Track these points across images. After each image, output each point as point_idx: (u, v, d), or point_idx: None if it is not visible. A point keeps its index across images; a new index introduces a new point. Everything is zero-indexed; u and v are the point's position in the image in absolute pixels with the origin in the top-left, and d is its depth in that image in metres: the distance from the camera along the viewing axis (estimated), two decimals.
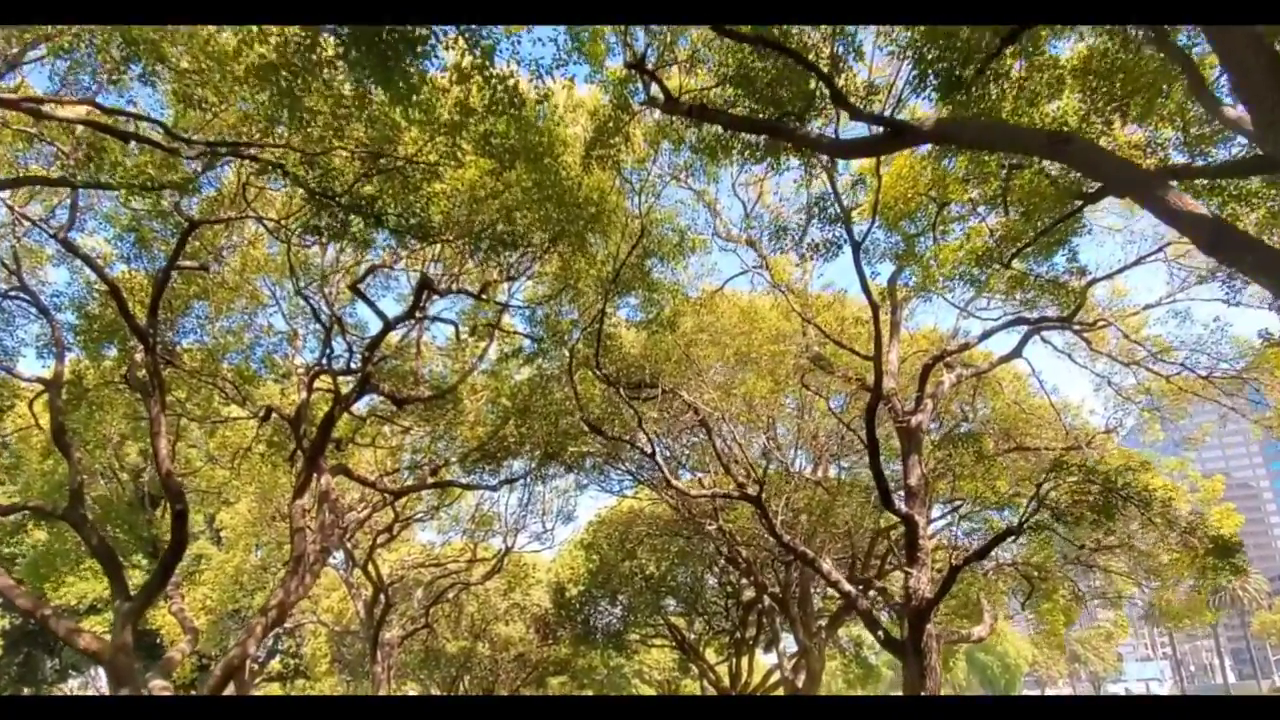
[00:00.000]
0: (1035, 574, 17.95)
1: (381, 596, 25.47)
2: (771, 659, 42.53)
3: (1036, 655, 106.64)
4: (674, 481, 16.00)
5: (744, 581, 35.21)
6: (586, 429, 17.38)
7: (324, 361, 17.35)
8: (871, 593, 18.21)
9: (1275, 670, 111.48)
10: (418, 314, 15.21)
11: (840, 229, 12.44)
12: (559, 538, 66.58)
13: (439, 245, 14.75)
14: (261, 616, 14.03)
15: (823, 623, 26.74)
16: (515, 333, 16.89)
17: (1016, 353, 16.87)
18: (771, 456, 18.99)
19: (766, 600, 27.28)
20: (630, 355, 16.88)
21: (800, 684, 24.75)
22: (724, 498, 16.68)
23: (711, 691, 46.99)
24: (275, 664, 51.70)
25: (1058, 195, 11.33)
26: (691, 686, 54.59)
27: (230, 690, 14.52)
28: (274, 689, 53.67)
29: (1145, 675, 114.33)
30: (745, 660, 36.11)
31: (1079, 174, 10.89)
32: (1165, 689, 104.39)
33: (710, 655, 39.89)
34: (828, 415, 18.53)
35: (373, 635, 25.16)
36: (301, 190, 12.36)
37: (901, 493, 15.63)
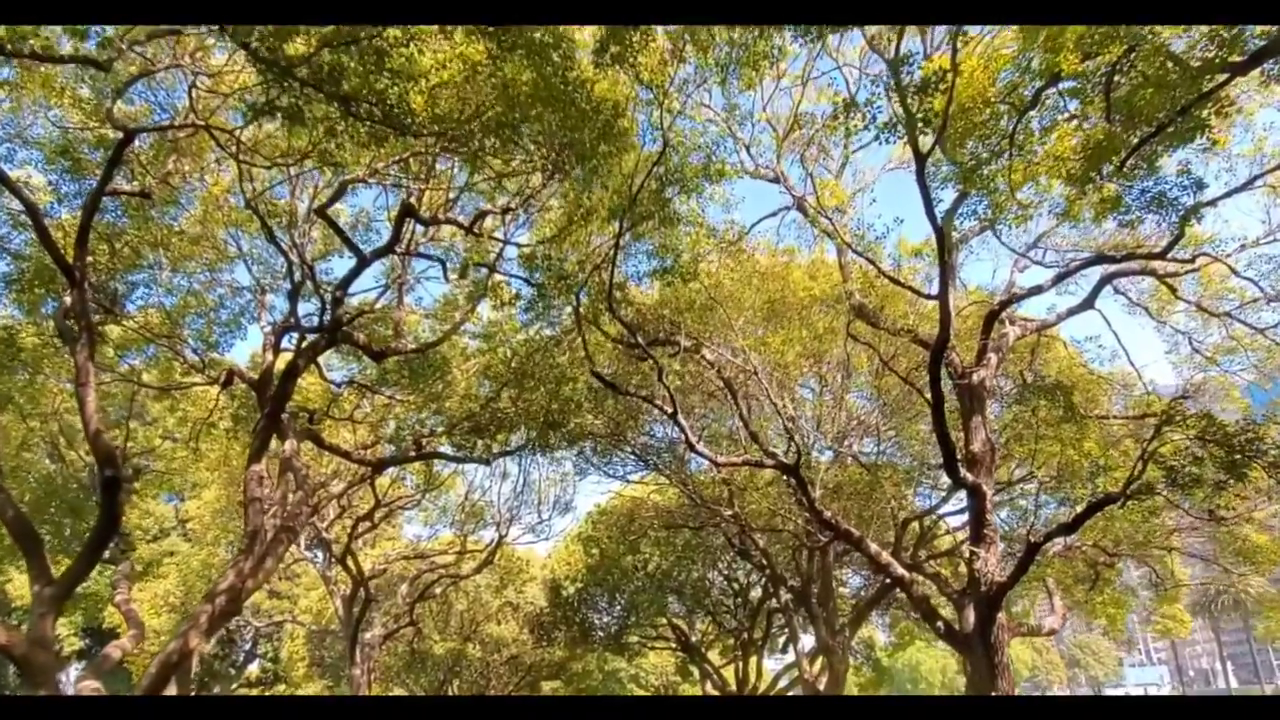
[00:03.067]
0: (1104, 558, 15.78)
1: (361, 592, 23.08)
2: (775, 663, 40.29)
3: (1036, 660, 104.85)
4: (698, 446, 13.74)
5: (753, 578, 33.05)
6: (596, 383, 15.12)
7: (292, 317, 15.06)
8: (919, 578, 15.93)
9: (1279, 675, 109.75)
10: (398, 249, 12.93)
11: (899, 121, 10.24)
12: (556, 529, 64.06)
13: (424, 165, 12.51)
14: (207, 604, 11.69)
15: (843, 620, 24.46)
16: (514, 277, 14.60)
17: (1088, 303, 14.73)
18: (798, 427, 16.74)
19: (783, 596, 25.02)
20: (645, 306, 14.66)
21: (822, 687, 22.49)
22: (756, 466, 14.48)
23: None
24: (254, 669, 49.17)
25: (1184, 80, 9.17)
26: (691, 692, 52.19)
27: (171, 692, 12.18)
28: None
29: (1144, 680, 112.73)
30: (753, 663, 33.86)
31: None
32: (1165, 694, 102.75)
33: (713, 658, 37.59)
34: (862, 382, 16.30)
35: (351, 634, 22.77)
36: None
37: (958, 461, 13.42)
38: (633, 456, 23.16)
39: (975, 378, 13.42)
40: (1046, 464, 13.04)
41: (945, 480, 22.21)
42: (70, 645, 35.03)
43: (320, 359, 20.24)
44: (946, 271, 11.66)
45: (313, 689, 40.39)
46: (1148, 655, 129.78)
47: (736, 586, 33.23)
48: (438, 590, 28.10)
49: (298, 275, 16.63)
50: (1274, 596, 19.67)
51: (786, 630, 35.81)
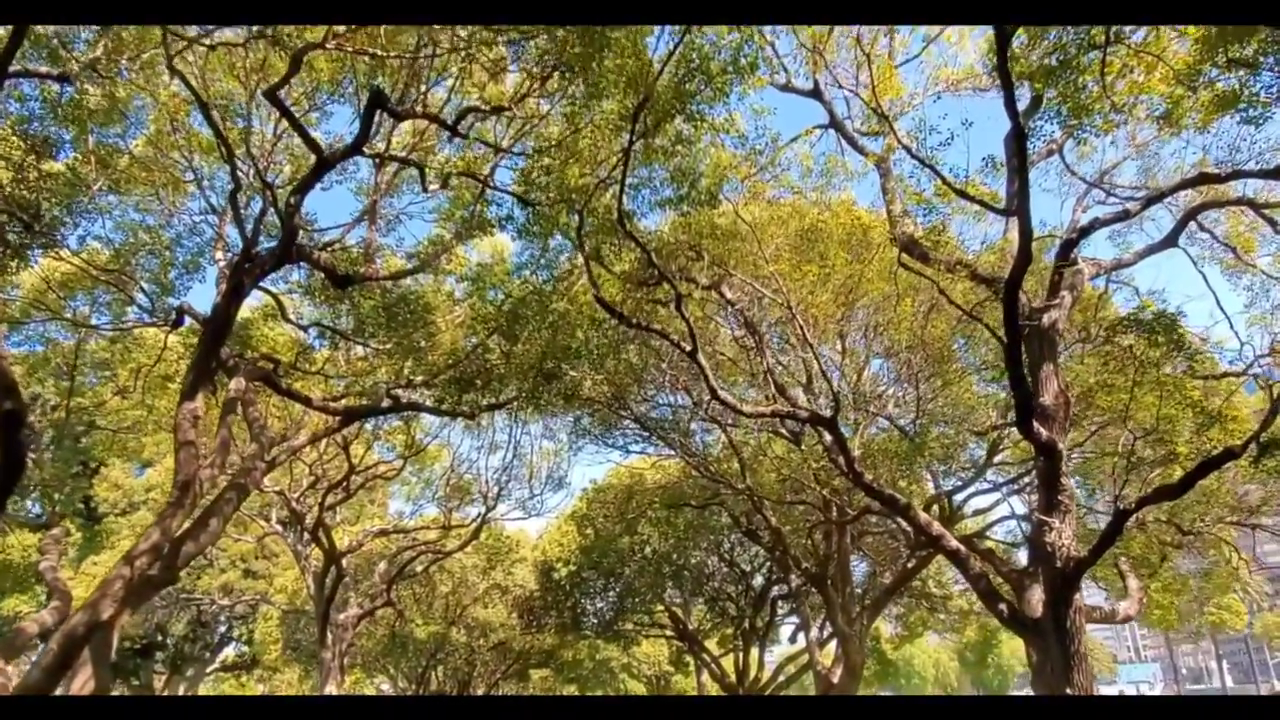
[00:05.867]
0: (1175, 535, 13.81)
1: (334, 568, 21.01)
2: (768, 655, 38.31)
3: (1031, 656, 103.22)
4: (721, 394, 11.70)
5: (757, 562, 31.14)
6: (596, 336, 13.13)
7: (249, 240, 12.87)
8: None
9: (1274, 674, 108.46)
10: (366, 150, 10.82)
11: None
12: (548, 505, 62.22)
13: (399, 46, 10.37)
14: (124, 567, 9.61)
15: (858, 607, 22.45)
16: (505, 192, 12.47)
17: (1170, 240, 12.73)
18: (823, 378, 14.67)
19: (793, 581, 23.08)
20: (658, 235, 12.61)
21: (837, 679, 20.52)
22: (787, 417, 12.48)
23: (712, 688, 42.81)
24: (230, 653, 47.09)
25: None
26: (684, 684, 50.30)
27: (87, 674, 10.12)
28: (229, 685, 48.92)
29: (1136, 678, 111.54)
30: (755, 654, 31.98)
31: None
32: (1158, 692, 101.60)
33: (710, 648, 35.68)
34: (903, 331, 14.24)
35: (322, 613, 20.71)
36: None
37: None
38: (634, 425, 21.14)
39: (1046, 319, 11.41)
40: (1131, 420, 10.99)
41: (969, 457, 20.27)
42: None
43: (291, 310, 18.24)
44: (1026, 179, 9.61)
45: (289, 674, 38.39)
46: (1137, 653, 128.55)
47: (739, 572, 31.32)
48: (419, 569, 26.07)
49: (249, 197, 14.62)
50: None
51: (792, 619, 34.06)
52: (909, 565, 20.62)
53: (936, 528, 11.47)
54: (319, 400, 13.92)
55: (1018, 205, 9.66)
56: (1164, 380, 10.13)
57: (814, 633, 23.92)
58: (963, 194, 10.16)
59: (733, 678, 31.72)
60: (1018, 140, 9.52)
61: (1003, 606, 11.00)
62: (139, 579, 9.81)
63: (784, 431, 20.48)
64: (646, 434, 21.59)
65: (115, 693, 43.42)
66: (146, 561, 9.70)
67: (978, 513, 22.16)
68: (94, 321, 18.75)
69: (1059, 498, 10.69)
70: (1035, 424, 10.55)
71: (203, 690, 51.73)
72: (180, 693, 43.44)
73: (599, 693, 50.45)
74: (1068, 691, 10.22)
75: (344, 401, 15.19)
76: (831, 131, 13.78)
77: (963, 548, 11.36)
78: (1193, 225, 13.91)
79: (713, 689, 43.64)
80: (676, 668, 47.76)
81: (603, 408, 20.19)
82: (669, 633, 34.78)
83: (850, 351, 15.44)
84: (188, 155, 16.34)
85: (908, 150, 10.30)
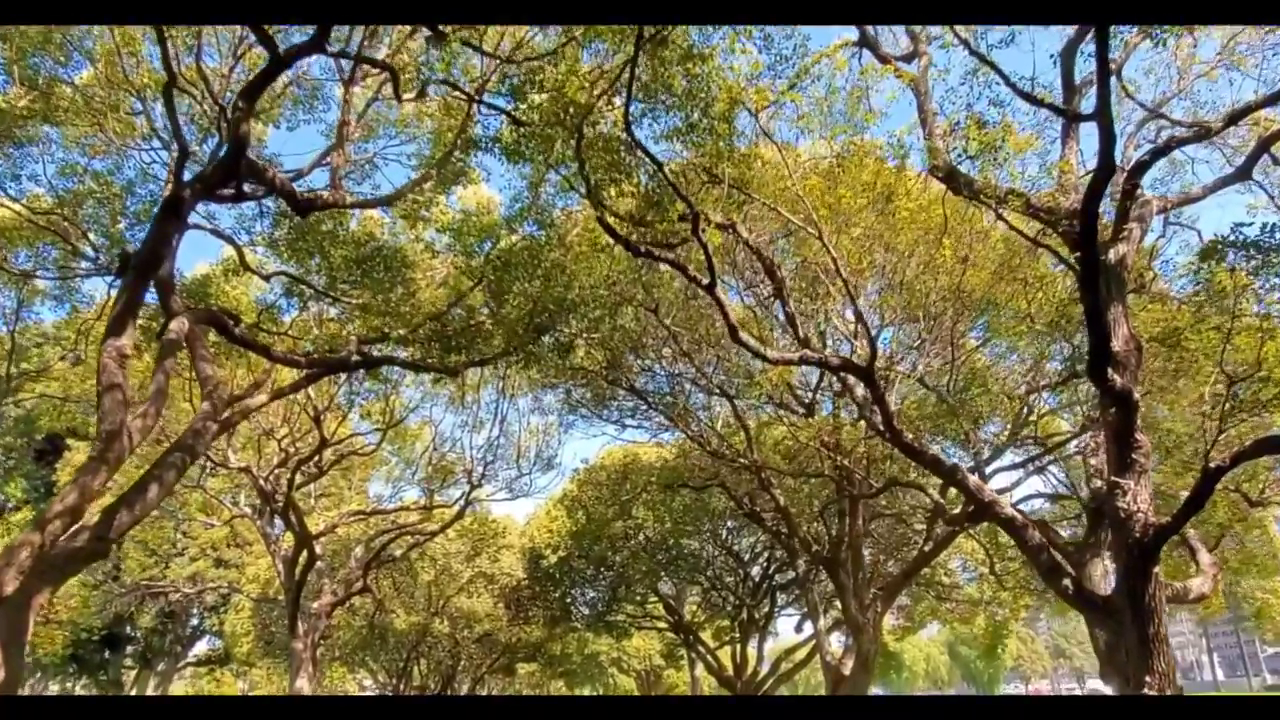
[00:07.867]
0: (1244, 505, 12.44)
1: (305, 551, 19.35)
2: (767, 646, 36.89)
3: (1020, 650, 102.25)
4: (742, 335, 10.15)
5: (758, 549, 29.71)
6: (593, 286, 11.58)
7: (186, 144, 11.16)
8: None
9: (1265, 668, 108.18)
10: (329, 48, 9.21)
11: None
12: (537, 486, 60.62)
13: None
14: (34, 533, 7.98)
15: (869, 594, 20.98)
16: (494, 108, 10.87)
17: (1244, 172, 11.31)
18: (834, 343, 13.18)
19: (800, 566, 21.58)
20: (669, 165, 11.04)
21: (848, 672, 19.07)
22: (817, 365, 10.96)
23: (706, 682, 41.36)
24: (203, 647, 45.34)
25: None
26: (676, 678, 48.82)
27: None
28: (206, 681, 47.10)
29: None
30: (754, 646, 30.53)
31: None
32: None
33: (705, 640, 34.19)
34: (945, 274, 12.66)
35: (292, 599, 19.08)
36: None
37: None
38: (630, 396, 19.57)
39: (1113, 254, 9.95)
40: (1201, 370, 9.44)
41: (987, 433, 18.83)
42: None
43: (255, 265, 16.61)
44: (1107, 77, 8.10)
45: (262, 668, 36.67)
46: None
47: (737, 560, 29.82)
48: (397, 553, 24.40)
49: (203, 134, 13.04)
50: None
51: (790, 610, 32.62)
52: (925, 549, 19.18)
53: (988, 493, 10.02)
54: (277, 351, 12.25)
55: (1098, 106, 8.16)
56: (1266, 316, 8.68)
57: (821, 621, 22.49)
58: (1029, 97, 8.66)
59: (730, 671, 30.25)
60: (1099, 35, 8.01)
61: (1066, 582, 9.54)
62: (62, 550, 8.22)
63: (792, 403, 19.04)
64: (644, 406, 20.06)
65: (81, 689, 41.51)
66: (61, 526, 8.08)
67: (999, 492, 20.72)
68: (39, 278, 17.17)
69: (1133, 456, 9.22)
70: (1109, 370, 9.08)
71: (180, 686, 49.82)
72: (151, 687, 41.66)
73: (588, 688, 48.94)
74: (1146, 680, 8.74)
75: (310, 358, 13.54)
76: (858, 61, 12.28)
77: (1019, 515, 9.89)
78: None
79: (707, 683, 42.20)
80: (668, 661, 46.27)
81: (596, 377, 18.68)
82: (662, 624, 33.33)
83: (872, 307, 13.91)
84: (137, 86, 14.70)
85: (966, 45, 8.80)
